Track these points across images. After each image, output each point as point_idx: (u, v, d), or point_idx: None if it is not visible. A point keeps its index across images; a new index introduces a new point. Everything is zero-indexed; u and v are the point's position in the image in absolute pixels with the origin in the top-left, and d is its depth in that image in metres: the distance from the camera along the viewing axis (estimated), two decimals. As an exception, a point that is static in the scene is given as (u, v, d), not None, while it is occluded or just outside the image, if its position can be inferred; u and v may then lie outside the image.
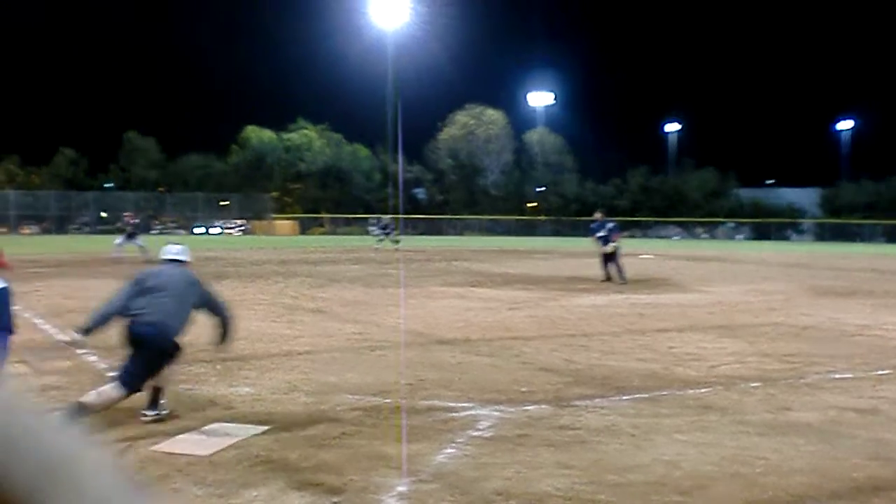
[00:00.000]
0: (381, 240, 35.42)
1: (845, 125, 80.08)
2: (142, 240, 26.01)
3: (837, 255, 37.67)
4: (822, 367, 8.38)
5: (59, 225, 64.37)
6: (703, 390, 7.17)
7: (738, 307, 14.04)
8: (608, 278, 19.09)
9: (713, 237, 68.59)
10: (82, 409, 5.41)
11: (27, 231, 61.82)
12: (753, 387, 7.37)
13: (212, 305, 6.13)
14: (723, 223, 70.02)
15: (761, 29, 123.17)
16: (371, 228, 38.51)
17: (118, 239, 25.66)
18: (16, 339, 5.82)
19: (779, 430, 5.78)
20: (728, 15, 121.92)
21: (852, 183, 70.56)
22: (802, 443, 5.54)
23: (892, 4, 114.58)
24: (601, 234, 19.77)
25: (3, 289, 5.43)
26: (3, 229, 58.76)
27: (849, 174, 74.35)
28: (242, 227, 68.17)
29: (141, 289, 6.00)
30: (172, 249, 6.46)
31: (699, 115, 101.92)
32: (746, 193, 74.08)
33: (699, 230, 70.09)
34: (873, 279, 21.42)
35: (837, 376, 7.95)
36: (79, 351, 8.51)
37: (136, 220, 26.32)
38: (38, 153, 73.63)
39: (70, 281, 17.82)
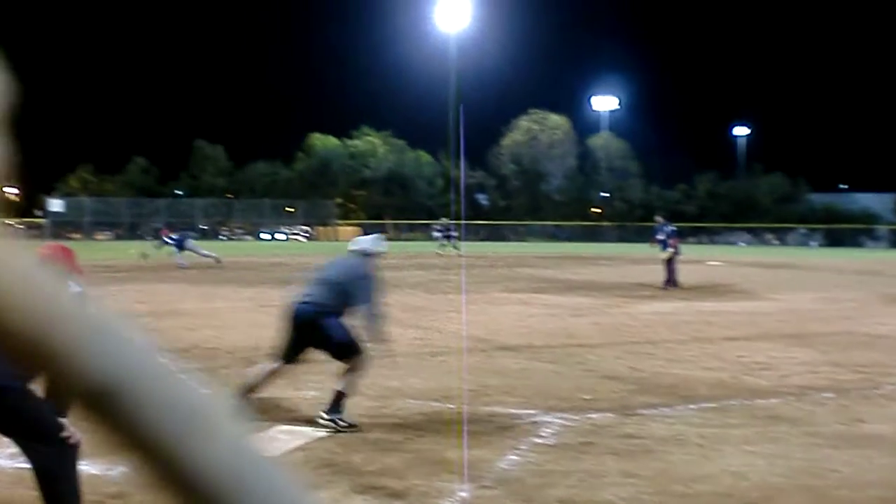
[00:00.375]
0: (443, 245, 35.52)
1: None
2: (191, 245, 26.13)
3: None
4: (898, 378, 8.12)
5: (131, 231, 66.11)
6: (772, 400, 7.00)
7: (809, 315, 13.69)
8: (672, 284, 18.85)
9: (783, 243, 67.10)
10: (248, 387, 6.05)
11: (101, 237, 63.66)
12: (825, 397, 7.17)
13: (371, 301, 6.17)
14: (794, 229, 68.44)
15: (833, 30, 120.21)
16: (434, 234, 38.60)
17: (176, 255, 25.90)
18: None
19: (851, 443, 5.61)
20: (797, 15, 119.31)
21: (930, 187, 68.46)
22: (876, 455, 5.36)
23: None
24: (660, 237, 19.68)
25: (79, 293, 5.61)
26: (78, 235, 60.57)
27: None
28: (307, 234, 69.10)
29: (318, 276, 6.45)
30: (356, 241, 6.79)
31: (769, 118, 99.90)
32: (818, 198, 72.34)
33: (769, 236, 68.64)
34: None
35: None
36: None
37: (176, 235, 26.64)
38: (112, 162, 75.98)
39: (142, 286, 18.27)
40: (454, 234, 37.48)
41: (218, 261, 25.03)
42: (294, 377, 6.74)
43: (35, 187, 62.03)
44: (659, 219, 20.60)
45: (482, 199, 75.91)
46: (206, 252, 25.84)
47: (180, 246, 25.80)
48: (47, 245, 5.34)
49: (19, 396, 3.48)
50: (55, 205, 64.07)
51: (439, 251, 34.57)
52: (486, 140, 77.41)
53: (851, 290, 19.10)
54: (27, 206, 64.37)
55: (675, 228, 20.14)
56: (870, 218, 67.93)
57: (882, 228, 66.98)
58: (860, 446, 5.55)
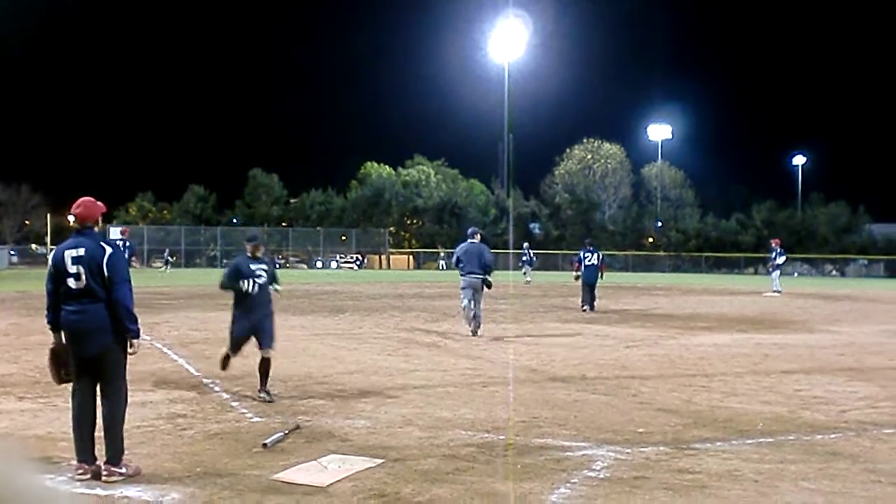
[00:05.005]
0: (525, 272, 36.09)
1: None
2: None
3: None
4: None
5: (188, 258, 67.29)
6: (831, 436, 6.83)
7: (870, 349, 13.34)
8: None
9: (843, 274, 65.59)
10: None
11: (158, 264, 64.94)
12: (886, 433, 6.98)
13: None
14: (854, 260, 66.88)
15: (891, 53, 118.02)
16: (523, 258, 38.81)
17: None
18: (146, 368, 6.14)
19: (915, 481, 5.45)
20: (854, 44, 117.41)
21: None
22: (942, 495, 5.20)
23: None
24: (589, 261, 20.97)
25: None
26: (136, 263, 61.83)
27: None
28: (359, 262, 69.59)
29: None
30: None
31: (827, 147, 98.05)
32: (879, 229, 70.68)
33: (828, 267, 67.20)
34: None
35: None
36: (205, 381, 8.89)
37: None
38: (170, 189, 77.57)
39: (197, 313, 18.58)
40: (531, 260, 38.01)
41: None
42: (346, 405, 6.80)
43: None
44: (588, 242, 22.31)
45: (535, 228, 75.72)
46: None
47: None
48: (82, 199, 5.70)
49: None
50: (116, 232, 65.60)
51: (529, 279, 35.15)
52: (541, 169, 77.45)
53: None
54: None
55: (603, 255, 22.23)
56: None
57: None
58: (924, 485, 5.39)
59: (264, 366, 8.18)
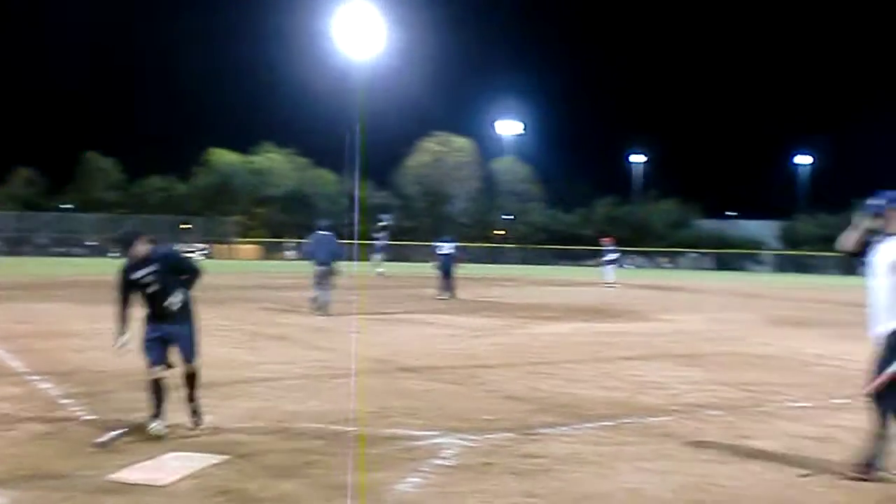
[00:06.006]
0: (379, 262, 35.69)
1: (803, 160, 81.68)
2: None
3: (795, 286, 38.24)
4: (781, 396, 8.46)
5: (15, 246, 63.07)
6: (665, 418, 7.19)
7: (699, 336, 14.14)
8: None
9: (676, 266, 69.19)
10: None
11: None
12: (713, 415, 7.40)
13: None
14: (686, 253, 70.68)
15: (724, 65, 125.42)
16: (377, 241, 38.06)
17: None
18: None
19: (738, 458, 5.80)
20: (691, 50, 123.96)
21: (810, 216, 71.92)
22: (760, 470, 5.56)
23: (847, 45, 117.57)
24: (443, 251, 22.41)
25: None
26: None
27: (806, 208, 75.82)
28: (204, 251, 67.48)
29: None
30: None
31: (664, 147, 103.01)
32: (709, 225, 75.05)
33: (662, 260, 70.69)
34: (829, 310, 21.72)
35: (795, 405, 8.03)
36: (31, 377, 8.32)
37: None
38: (-8, 172, 72.23)
39: (25, 304, 17.50)
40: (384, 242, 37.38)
41: None
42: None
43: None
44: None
45: (386, 219, 75.78)
46: None
47: None
48: None
49: None
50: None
51: (380, 269, 34.78)
52: (393, 161, 77.37)
53: (739, 313, 19.85)
54: None
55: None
56: (756, 244, 70.90)
57: (766, 254, 69.97)
58: (746, 461, 5.74)
59: (189, 382, 6.56)
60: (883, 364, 5.34)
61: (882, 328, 5.39)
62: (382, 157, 70.86)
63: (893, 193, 5.62)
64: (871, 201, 5.64)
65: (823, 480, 5.34)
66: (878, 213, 5.58)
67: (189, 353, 6.52)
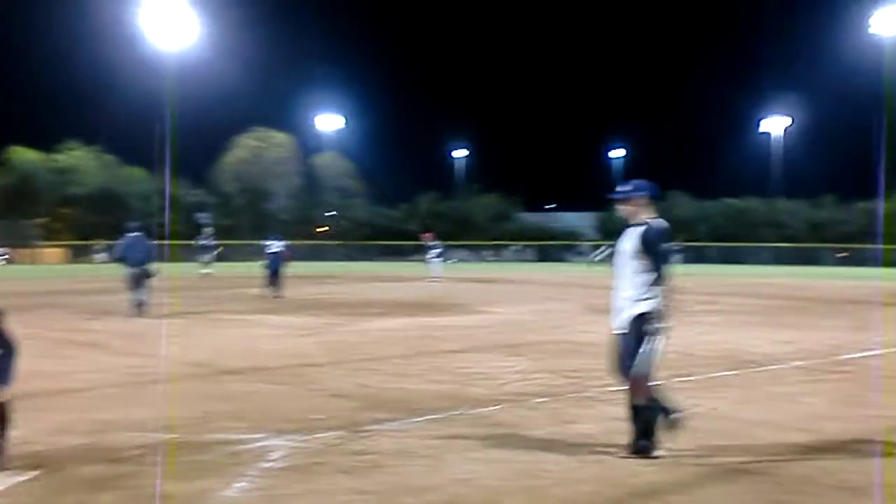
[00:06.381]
0: (207, 263, 34.28)
1: (618, 153, 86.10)
2: None
3: (612, 274, 40.10)
4: (603, 381, 8.78)
5: None
6: (493, 408, 7.32)
7: (523, 327, 14.56)
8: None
9: (499, 259, 71.10)
10: None
11: None
12: (540, 402, 7.62)
13: None
14: (508, 246, 72.76)
15: (542, 61, 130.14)
16: (202, 245, 36.33)
17: None
18: None
19: (564, 443, 5.99)
20: (510, 49, 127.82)
21: (624, 207, 75.76)
22: (586, 453, 5.77)
23: (657, 41, 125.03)
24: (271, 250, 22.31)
25: None
26: None
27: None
28: (4, 257, 62.87)
29: None
30: None
31: (486, 141, 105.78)
32: (530, 218, 77.68)
33: (486, 253, 72.47)
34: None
35: (615, 389, 8.36)
36: None
37: None
38: None
39: None
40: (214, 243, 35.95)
41: None
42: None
43: None
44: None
45: (202, 217, 73.33)
46: None
47: None
48: None
49: None
50: None
51: (206, 270, 33.41)
52: (210, 158, 74.87)
53: (560, 302, 20.64)
54: None
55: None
56: (574, 235, 74.08)
57: (585, 245, 73.24)
58: (572, 446, 5.94)
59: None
60: (631, 348, 5.64)
61: (626, 314, 5.71)
62: (198, 154, 68.55)
63: (640, 182, 5.95)
64: (618, 188, 5.94)
65: (644, 460, 5.60)
66: (625, 199, 5.87)
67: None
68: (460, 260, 62.46)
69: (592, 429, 6.52)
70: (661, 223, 5.81)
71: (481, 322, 15.43)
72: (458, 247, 66.89)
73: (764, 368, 9.89)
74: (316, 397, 7.90)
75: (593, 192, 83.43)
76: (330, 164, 78.31)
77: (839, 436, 6.45)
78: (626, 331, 5.71)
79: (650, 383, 5.71)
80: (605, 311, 18.85)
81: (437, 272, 32.36)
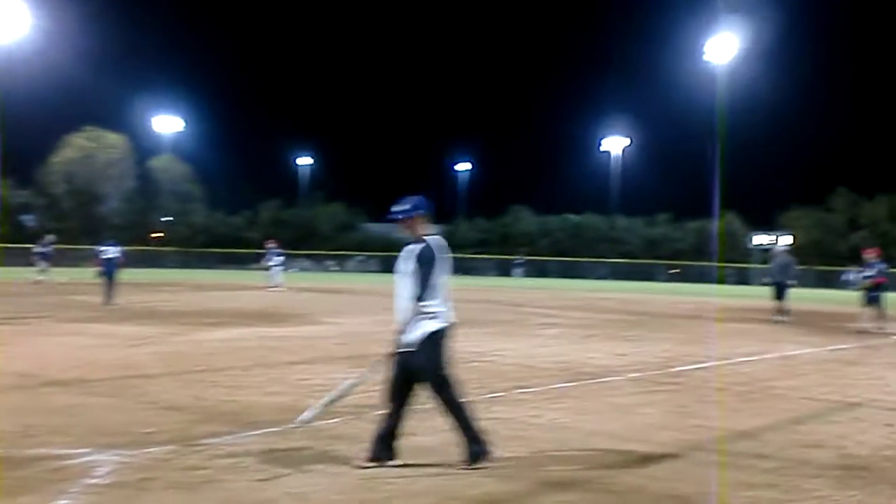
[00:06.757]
0: (44, 270, 31.87)
1: (463, 167, 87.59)
2: None
3: (455, 287, 40.62)
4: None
5: None
6: (332, 421, 7.26)
7: (366, 338, 14.53)
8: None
9: (343, 269, 70.71)
10: None
11: None
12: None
13: None
14: (352, 256, 72.52)
15: (389, 75, 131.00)
16: (39, 262, 33.26)
17: None
18: None
19: (404, 455, 6.02)
20: (360, 58, 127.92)
21: (468, 221, 77.33)
22: (424, 465, 5.83)
23: (500, 59, 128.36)
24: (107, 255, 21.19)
25: None
26: None
27: (466, 212, 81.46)
28: None
29: None
30: None
31: (331, 150, 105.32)
32: (375, 228, 77.83)
33: (329, 263, 71.94)
34: (486, 309, 23.37)
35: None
36: None
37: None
38: None
39: None
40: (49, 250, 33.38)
41: None
42: None
43: None
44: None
45: (29, 220, 69.03)
46: None
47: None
48: None
49: None
50: None
51: (40, 277, 31.09)
52: (37, 158, 70.58)
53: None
54: None
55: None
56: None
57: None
58: (411, 457, 5.98)
59: None
60: (416, 365, 5.81)
61: (410, 333, 5.81)
62: (26, 153, 64.61)
63: (417, 199, 6.05)
64: (395, 208, 6.00)
65: (482, 471, 5.71)
66: (403, 219, 5.97)
67: None
68: (302, 269, 61.75)
69: (431, 440, 6.60)
70: (438, 240, 5.95)
71: (323, 333, 15.29)
72: (300, 256, 66.13)
73: (601, 380, 10.30)
74: (147, 410, 7.60)
75: (439, 205, 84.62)
76: (167, 167, 75.37)
77: (671, 445, 6.79)
78: (411, 349, 5.78)
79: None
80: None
81: (278, 281, 31.86)
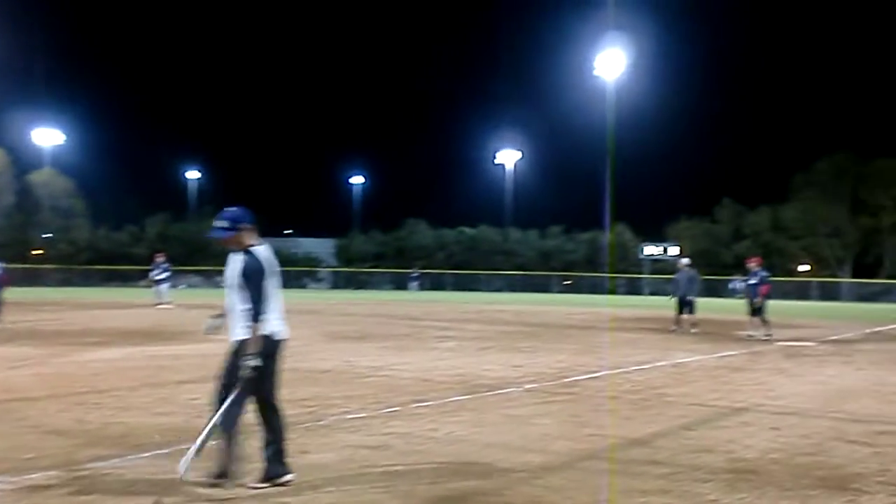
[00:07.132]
0: None
1: (357, 180, 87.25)
2: None
3: (351, 301, 40.53)
4: (338, 409, 8.83)
5: None
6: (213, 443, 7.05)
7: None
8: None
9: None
10: None
11: None
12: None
13: None
14: (242, 272, 71.10)
15: (281, 88, 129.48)
16: None
17: None
18: None
19: (300, 474, 5.89)
20: (250, 71, 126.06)
21: (363, 234, 76.96)
22: (321, 483, 5.73)
23: (399, 75, 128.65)
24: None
25: None
26: None
27: (360, 226, 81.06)
28: None
29: None
30: None
31: (221, 163, 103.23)
32: (268, 243, 76.52)
33: (219, 279, 70.36)
34: (382, 323, 23.32)
35: (352, 416, 8.43)
36: None
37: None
38: None
39: None
40: None
41: None
42: None
43: None
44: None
45: None
46: None
47: None
48: None
49: None
50: None
51: None
52: None
53: (297, 329, 20.25)
54: None
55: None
56: (313, 261, 73.84)
57: (323, 271, 73.27)
58: (306, 476, 5.87)
59: None
60: (231, 370, 5.73)
61: (233, 337, 5.80)
62: None
63: (238, 212, 5.90)
64: (216, 223, 5.85)
65: (380, 486, 5.65)
66: (226, 238, 5.84)
67: None
68: (191, 286, 60.20)
69: (328, 458, 6.50)
70: (266, 250, 5.85)
71: (213, 351, 14.80)
72: (189, 272, 64.45)
73: (498, 392, 10.37)
74: (27, 434, 7.23)
75: (332, 219, 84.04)
76: (48, 181, 72.30)
77: (567, 455, 6.88)
78: (231, 352, 5.68)
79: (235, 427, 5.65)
80: (345, 337, 19.07)
81: (166, 298, 30.95)
